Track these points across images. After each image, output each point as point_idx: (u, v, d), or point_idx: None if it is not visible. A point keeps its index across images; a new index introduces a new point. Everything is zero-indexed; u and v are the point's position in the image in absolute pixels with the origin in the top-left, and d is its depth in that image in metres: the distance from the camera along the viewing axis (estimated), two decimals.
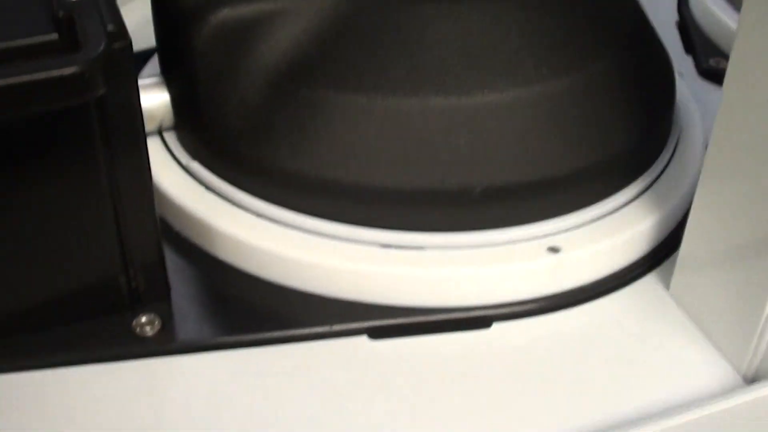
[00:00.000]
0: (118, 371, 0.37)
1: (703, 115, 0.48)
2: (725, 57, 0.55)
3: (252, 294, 0.40)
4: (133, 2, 0.53)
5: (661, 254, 0.43)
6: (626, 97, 0.41)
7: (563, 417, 0.36)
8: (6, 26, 0.31)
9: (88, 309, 0.38)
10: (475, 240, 0.40)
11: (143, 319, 0.38)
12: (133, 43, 0.33)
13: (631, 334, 0.40)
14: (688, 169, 0.44)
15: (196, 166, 0.43)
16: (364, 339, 0.39)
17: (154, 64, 0.48)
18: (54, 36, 0.31)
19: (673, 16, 0.61)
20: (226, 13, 0.39)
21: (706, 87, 0.54)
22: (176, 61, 0.43)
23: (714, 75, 0.54)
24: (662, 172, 0.44)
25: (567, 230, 0.41)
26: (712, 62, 0.55)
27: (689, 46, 0.58)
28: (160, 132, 0.44)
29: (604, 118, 0.41)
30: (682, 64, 0.55)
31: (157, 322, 0.38)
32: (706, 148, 0.45)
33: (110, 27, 0.32)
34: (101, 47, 0.31)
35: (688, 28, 0.59)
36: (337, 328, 0.39)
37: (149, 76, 0.44)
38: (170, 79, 0.43)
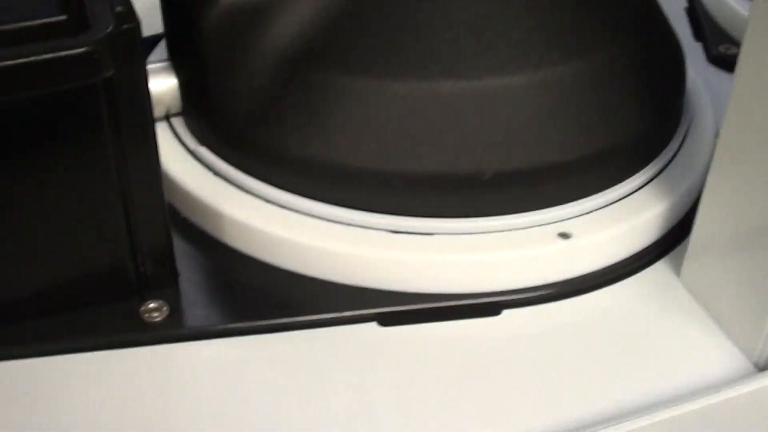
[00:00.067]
0: (125, 357, 0.37)
1: (712, 102, 0.48)
2: (735, 43, 0.55)
3: (260, 280, 0.40)
4: None
5: (671, 241, 0.42)
6: (637, 82, 0.41)
7: (573, 404, 0.36)
8: (15, 8, 0.31)
9: (95, 295, 0.38)
10: (485, 226, 0.40)
11: (151, 305, 0.38)
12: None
13: (641, 321, 0.39)
14: (698, 155, 0.44)
15: (204, 152, 0.42)
16: (373, 326, 0.39)
17: (160, 51, 0.48)
18: (62, 17, 0.31)
19: (683, 3, 0.61)
20: None
21: (716, 73, 0.54)
22: (184, 46, 0.42)
23: (723, 61, 0.54)
24: (672, 158, 0.44)
25: (577, 216, 0.40)
26: (721, 49, 0.55)
27: (699, 33, 0.57)
28: (167, 117, 0.44)
29: (615, 104, 0.40)
30: (691, 50, 0.55)
31: (165, 309, 0.38)
32: (716, 134, 0.45)
33: (119, 8, 0.31)
34: (110, 28, 0.30)
35: (697, 14, 0.58)
36: (346, 314, 0.39)
37: (157, 61, 0.44)
38: (178, 63, 0.43)
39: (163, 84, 0.43)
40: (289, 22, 0.39)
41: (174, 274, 0.39)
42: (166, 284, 0.39)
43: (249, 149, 0.40)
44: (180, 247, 0.40)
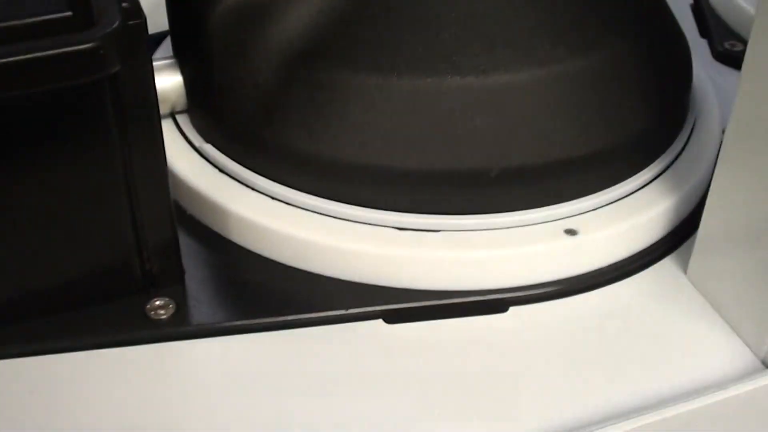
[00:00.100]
0: (131, 355, 0.37)
1: (718, 98, 0.47)
2: (740, 40, 0.55)
3: (267, 277, 0.40)
4: None
5: (678, 237, 0.42)
6: (643, 78, 0.41)
7: (580, 401, 0.36)
8: (20, 4, 0.31)
9: (101, 292, 0.38)
10: (491, 222, 0.39)
11: (157, 302, 0.38)
12: None
13: (648, 317, 0.39)
14: (704, 151, 0.44)
15: (209, 149, 0.42)
16: (379, 323, 0.39)
17: (165, 48, 0.48)
18: (68, 13, 0.31)
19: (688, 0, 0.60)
20: None
21: (721, 70, 0.54)
22: (189, 43, 0.42)
23: (729, 58, 0.54)
24: (679, 154, 0.44)
25: (584, 213, 0.40)
26: (727, 45, 0.55)
27: (704, 30, 0.57)
28: (173, 115, 0.44)
29: (621, 100, 0.40)
30: (696, 47, 0.54)
31: (171, 306, 0.38)
32: (722, 130, 0.45)
33: (125, 4, 0.31)
34: (116, 23, 0.30)
35: (702, 11, 0.58)
36: (352, 311, 0.39)
37: (162, 58, 0.43)
38: (183, 60, 0.43)
39: (168, 81, 0.43)
40: (295, 19, 0.39)
41: (180, 272, 0.39)
42: (172, 281, 0.39)
43: (255, 146, 0.40)
44: (186, 245, 0.40)
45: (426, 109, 0.38)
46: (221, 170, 0.42)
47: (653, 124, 0.42)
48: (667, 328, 0.39)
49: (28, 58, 0.29)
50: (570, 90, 0.39)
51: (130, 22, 0.31)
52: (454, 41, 0.38)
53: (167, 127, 0.43)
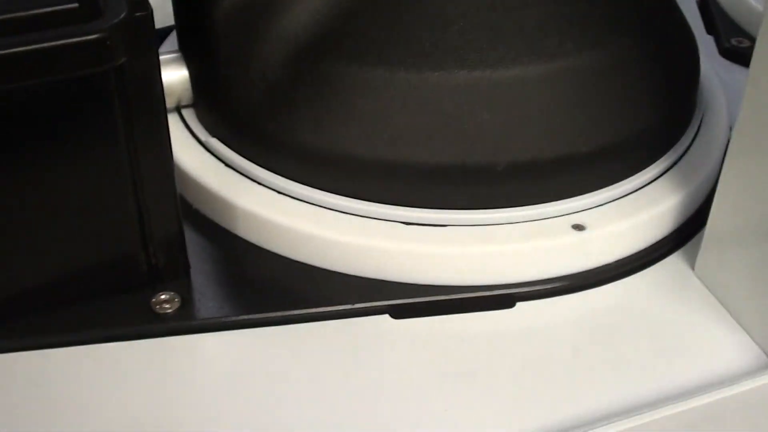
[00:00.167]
0: (137, 349, 0.37)
1: (725, 94, 0.47)
2: (747, 36, 0.55)
3: (272, 272, 0.40)
4: None
5: (686, 233, 0.42)
6: (651, 73, 0.41)
7: (588, 397, 0.36)
8: None
9: (107, 286, 0.38)
10: (498, 217, 0.39)
11: (163, 296, 0.38)
12: None
13: (656, 313, 0.39)
14: (712, 147, 0.44)
15: (215, 143, 0.42)
16: (386, 318, 0.38)
17: (170, 43, 0.48)
18: (75, 4, 0.31)
19: None
20: None
21: (728, 66, 0.54)
22: (195, 36, 0.42)
23: (736, 54, 0.54)
24: (687, 150, 0.44)
25: (592, 208, 0.40)
26: (733, 41, 0.55)
27: (711, 26, 0.57)
28: (178, 109, 0.44)
29: (629, 95, 0.40)
30: (703, 43, 0.54)
31: (176, 300, 0.38)
32: (729, 126, 0.45)
33: None
34: (123, 14, 0.30)
35: (709, 7, 0.58)
36: (358, 306, 0.38)
37: (168, 52, 0.43)
38: (189, 54, 0.43)
39: (174, 75, 0.43)
40: (301, 12, 0.39)
41: (186, 266, 0.39)
42: (177, 276, 0.39)
43: (261, 140, 0.40)
44: (191, 239, 0.40)
45: (432, 103, 0.38)
46: (227, 164, 0.42)
47: (661, 120, 0.41)
48: (674, 324, 0.39)
49: (35, 49, 0.29)
50: (577, 85, 0.39)
51: (137, 14, 0.31)
52: (462, 35, 0.38)
53: (173, 122, 0.43)
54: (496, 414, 0.35)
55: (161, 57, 0.40)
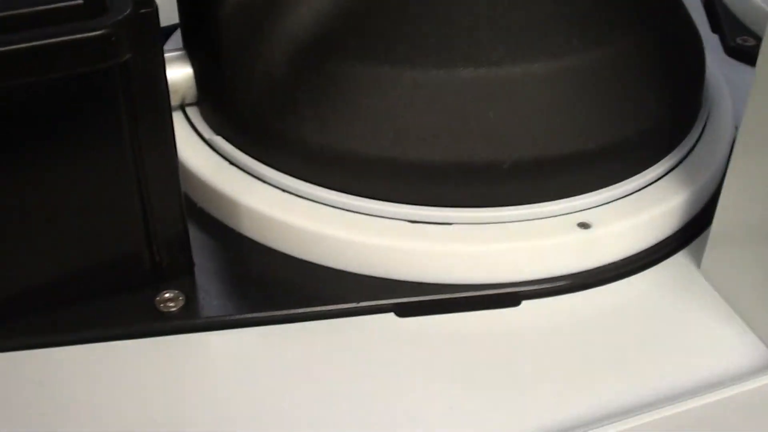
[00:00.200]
0: (141, 348, 0.37)
1: (730, 93, 0.47)
2: (752, 35, 0.55)
3: (277, 270, 0.40)
4: None
5: (691, 231, 0.42)
6: (657, 71, 0.41)
7: (593, 395, 0.36)
8: None
9: (111, 285, 0.37)
10: (504, 215, 0.39)
11: (167, 295, 0.38)
12: None
13: (661, 312, 0.39)
14: (718, 145, 0.44)
15: (219, 141, 0.42)
16: (391, 316, 0.38)
17: (175, 41, 0.48)
18: (79, 1, 0.31)
19: None
20: None
21: (733, 65, 0.54)
22: (200, 34, 0.42)
23: (741, 53, 0.54)
24: (692, 148, 0.43)
25: (597, 206, 0.40)
26: (739, 40, 0.55)
27: (716, 25, 0.57)
28: (183, 107, 0.44)
29: (635, 93, 0.40)
30: (708, 42, 0.54)
31: (181, 299, 0.38)
32: (735, 125, 0.44)
33: None
34: (128, 11, 0.30)
35: (714, 6, 0.58)
36: (363, 305, 0.38)
37: (172, 50, 0.43)
38: (193, 52, 0.43)
39: (178, 73, 0.42)
40: (306, 10, 0.39)
41: (190, 264, 0.39)
42: (181, 274, 0.38)
43: (265, 138, 0.40)
44: (196, 237, 0.40)
45: (438, 101, 0.38)
46: (231, 162, 0.42)
47: (667, 118, 0.41)
48: (680, 323, 0.39)
49: (40, 45, 0.29)
50: (583, 82, 0.39)
51: (142, 11, 0.31)
52: (468, 32, 0.38)
53: (177, 120, 0.43)
54: (501, 412, 0.35)
55: (166, 55, 0.41)
